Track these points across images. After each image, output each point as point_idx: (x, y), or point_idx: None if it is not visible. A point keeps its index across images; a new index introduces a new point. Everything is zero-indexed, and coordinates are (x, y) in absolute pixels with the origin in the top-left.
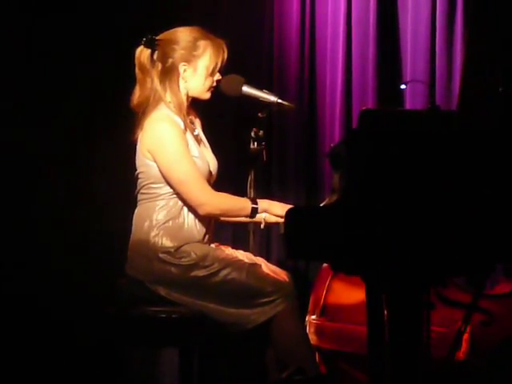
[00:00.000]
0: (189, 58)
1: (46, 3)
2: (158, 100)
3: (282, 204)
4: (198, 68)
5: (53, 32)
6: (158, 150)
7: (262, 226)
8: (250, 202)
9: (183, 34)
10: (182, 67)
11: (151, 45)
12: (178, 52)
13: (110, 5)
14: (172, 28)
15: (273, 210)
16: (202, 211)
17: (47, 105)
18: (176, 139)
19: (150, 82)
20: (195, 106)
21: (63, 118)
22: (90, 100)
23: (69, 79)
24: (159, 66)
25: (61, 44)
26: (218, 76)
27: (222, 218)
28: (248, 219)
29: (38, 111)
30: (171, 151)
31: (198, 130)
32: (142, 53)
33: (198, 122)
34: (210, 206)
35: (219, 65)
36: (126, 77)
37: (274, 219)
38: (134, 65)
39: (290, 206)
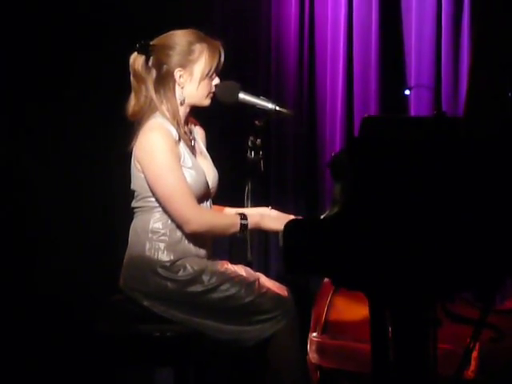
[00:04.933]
0: (184, 63)
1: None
2: (154, 108)
3: (275, 216)
4: (194, 73)
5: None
6: (146, 161)
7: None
8: (238, 219)
9: (178, 39)
10: (177, 73)
11: (145, 51)
12: (173, 58)
13: (100, 7)
14: (166, 31)
15: (265, 225)
16: (187, 229)
17: (46, 102)
18: (165, 150)
19: (145, 90)
20: (197, 116)
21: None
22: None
23: (67, 78)
24: (154, 73)
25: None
26: (216, 80)
27: None
28: None
29: (37, 110)
30: (158, 164)
31: (198, 141)
32: (136, 60)
33: (198, 133)
34: (196, 224)
35: (216, 67)
36: (121, 80)
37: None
38: (129, 72)
39: (284, 218)
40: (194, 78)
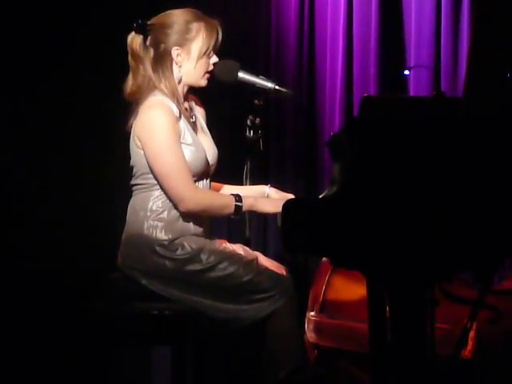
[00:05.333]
0: (182, 42)
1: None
2: (152, 87)
3: (270, 199)
4: (191, 51)
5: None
6: (146, 137)
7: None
8: (233, 200)
9: (175, 17)
10: (174, 52)
11: (143, 30)
12: (171, 36)
13: None
14: (164, 11)
15: (260, 208)
16: (181, 207)
17: (40, 83)
18: (165, 127)
19: (142, 70)
20: (196, 95)
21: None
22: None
23: (63, 56)
24: (152, 52)
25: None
26: (214, 59)
27: None
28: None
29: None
30: (158, 141)
31: (198, 118)
32: (134, 39)
33: (199, 111)
34: (190, 203)
35: (214, 46)
36: (120, 64)
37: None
38: (126, 52)
39: (280, 201)
40: (192, 56)
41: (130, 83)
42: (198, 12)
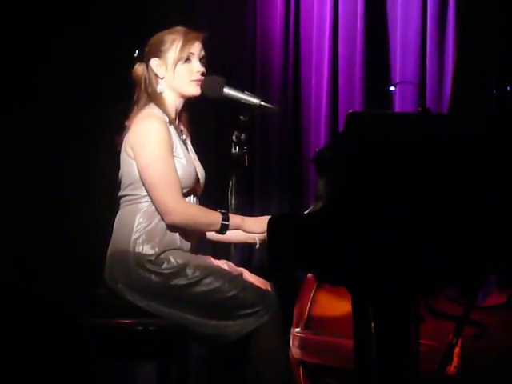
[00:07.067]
0: (158, 54)
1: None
2: (145, 103)
3: (257, 219)
4: (167, 60)
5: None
6: (139, 146)
7: (257, 246)
8: (220, 218)
9: (158, 35)
10: (153, 62)
11: (142, 56)
12: (149, 50)
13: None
14: (150, 29)
15: (247, 227)
16: (167, 219)
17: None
18: (159, 138)
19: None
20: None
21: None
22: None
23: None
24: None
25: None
26: (198, 67)
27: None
28: (242, 239)
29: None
30: (151, 150)
31: (186, 138)
32: (137, 69)
33: (186, 133)
34: (177, 216)
35: (193, 53)
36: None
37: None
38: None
39: (266, 219)
40: (169, 65)
41: (134, 113)
42: (183, 28)
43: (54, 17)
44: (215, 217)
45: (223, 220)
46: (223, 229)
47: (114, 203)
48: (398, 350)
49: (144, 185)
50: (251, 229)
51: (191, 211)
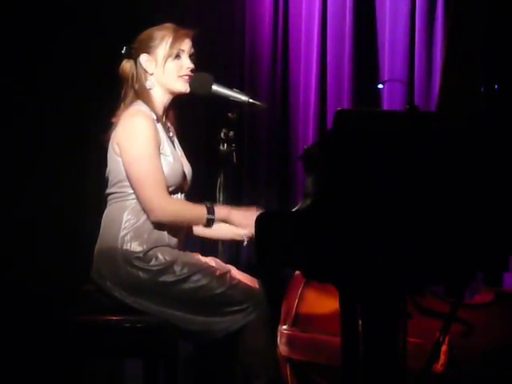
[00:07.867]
0: (147, 50)
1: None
2: (132, 100)
3: (243, 212)
4: (157, 57)
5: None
6: (126, 143)
7: (245, 243)
8: (205, 213)
9: (147, 32)
10: (143, 58)
11: (129, 54)
12: (138, 47)
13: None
14: (139, 26)
15: (233, 220)
16: (151, 216)
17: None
18: (146, 135)
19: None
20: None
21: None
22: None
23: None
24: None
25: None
26: (187, 63)
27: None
28: (229, 236)
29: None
30: (138, 147)
31: (173, 135)
32: (124, 65)
33: (173, 130)
34: (160, 213)
35: (183, 50)
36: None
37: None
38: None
39: (252, 213)
40: (159, 61)
41: (121, 110)
42: (172, 25)
43: (40, 15)
44: (200, 212)
45: (209, 214)
46: (209, 223)
47: (101, 200)
48: (385, 347)
49: (129, 181)
50: (238, 221)
51: (176, 208)
